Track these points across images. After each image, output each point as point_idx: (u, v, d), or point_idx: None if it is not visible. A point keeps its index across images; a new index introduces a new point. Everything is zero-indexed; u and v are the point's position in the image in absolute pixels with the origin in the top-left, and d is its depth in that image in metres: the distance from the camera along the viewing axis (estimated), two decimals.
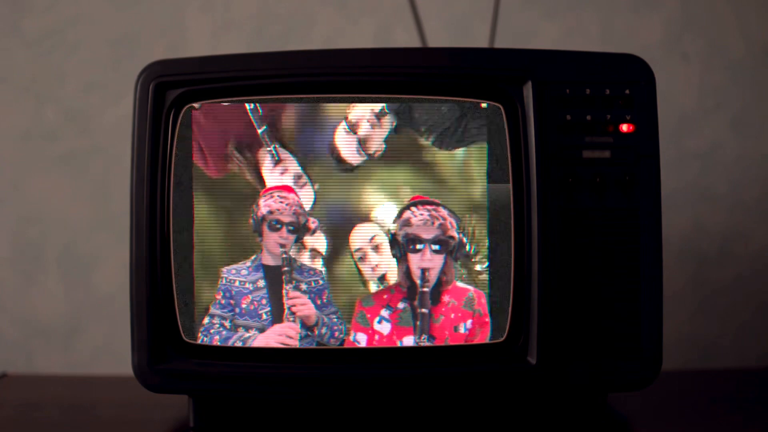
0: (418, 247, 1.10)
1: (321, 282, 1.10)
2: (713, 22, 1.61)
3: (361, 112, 1.09)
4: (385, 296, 1.10)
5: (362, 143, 1.09)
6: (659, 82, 1.12)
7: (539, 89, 1.09)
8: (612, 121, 1.10)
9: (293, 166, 1.09)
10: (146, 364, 1.09)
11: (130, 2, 1.61)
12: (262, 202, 1.09)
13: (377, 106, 1.10)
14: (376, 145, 1.09)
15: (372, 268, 1.10)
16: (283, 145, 1.10)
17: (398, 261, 1.10)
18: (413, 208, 1.10)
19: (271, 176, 1.10)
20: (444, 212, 1.10)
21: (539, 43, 1.60)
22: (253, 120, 1.10)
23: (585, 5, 1.61)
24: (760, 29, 1.62)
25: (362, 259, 1.10)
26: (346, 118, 1.09)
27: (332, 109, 1.10)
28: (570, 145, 1.10)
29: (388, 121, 1.09)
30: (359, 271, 1.10)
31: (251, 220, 1.09)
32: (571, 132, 1.10)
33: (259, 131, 1.09)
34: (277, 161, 1.09)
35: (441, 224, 1.10)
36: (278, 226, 1.10)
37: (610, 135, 1.10)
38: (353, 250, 1.10)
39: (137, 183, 1.09)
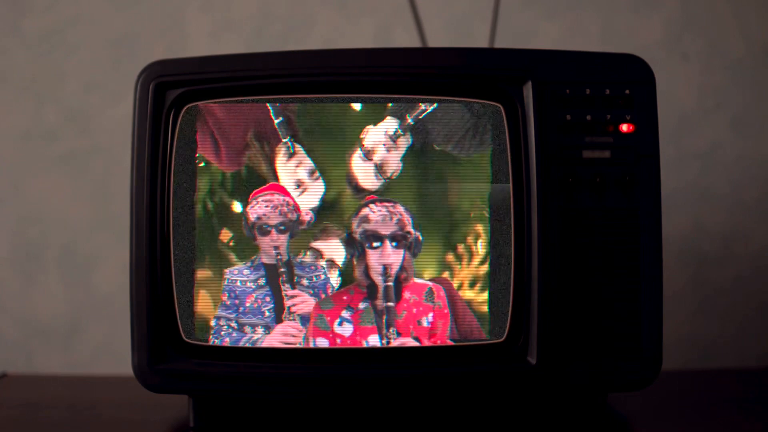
0: (376, 244, 1.09)
1: (323, 276, 1.10)
2: (713, 22, 1.61)
3: (376, 137, 1.10)
4: (344, 297, 1.10)
5: (379, 168, 1.09)
6: (659, 82, 1.12)
7: (539, 89, 1.09)
8: (612, 121, 1.10)
9: (306, 161, 1.09)
10: (146, 364, 1.09)
11: (130, 2, 1.61)
12: (249, 209, 1.10)
13: (392, 128, 1.10)
14: (393, 167, 1.09)
15: None
16: (297, 140, 1.10)
17: (356, 260, 1.10)
18: (371, 206, 1.10)
19: (285, 169, 1.10)
20: (401, 209, 1.10)
21: (539, 43, 1.60)
22: (270, 110, 1.10)
23: (585, 5, 1.61)
24: (760, 29, 1.62)
25: None
26: (361, 146, 1.09)
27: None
28: (570, 145, 1.10)
29: (404, 141, 1.10)
30: None
31: (243, 229, 1.10)
32: (571, 132, 1.10)
33: (276, 122, 1.10)
34: (292, 154, 1.09)
35: (399, 220, 1.09)
36: (268, 229, 1.10)
37: (610, 135, 1.10)
38: None
39: (137, 183, 1.09)
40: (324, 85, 1.10)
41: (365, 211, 1.10)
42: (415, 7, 1.49)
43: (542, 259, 1.08)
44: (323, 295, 1.10)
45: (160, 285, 1.09)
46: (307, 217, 1.10)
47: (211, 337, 1.10)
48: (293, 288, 1.10)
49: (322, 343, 1.10)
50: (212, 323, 1.10)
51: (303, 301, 1.10)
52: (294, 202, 1.10)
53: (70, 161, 1.61)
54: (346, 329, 1.10)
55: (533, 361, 1.08)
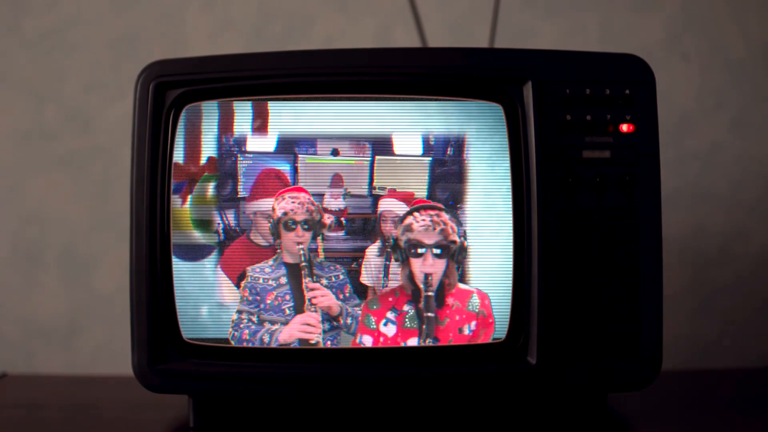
0: (420, 251, 1.10)
1: (342, 276, 1.11)
2: (713, 22, 1.61)
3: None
4: (390, 299, 1.11)
5: None
6: (659, 82, 1.12)
7: (539, 89, 1.09)
8: (612, 121, 1.10)
9: None
10: (146, 364, 1.09)
11: (130, 2, 1.61)
12: (276, 205, 1.11)
13: None
14: None
15: None
16: None
17: (401, 265, 1.10)
18: (415, 214, 1.10)
19: None
20: (446, 217, 1.10)
21: (539, 43, 1.60)
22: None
23: (585, 5, 1.61)
24: (760, 29, 1.62)
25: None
26: None
27: None
28: (570, 145, 1.10)
29: None
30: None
31: (269, 225, 1.11)
32: (571, 132, 1.10)
33: None
34: None
35: (442, 229, 1.10)
36: (293, 225, 1.11)
37: (610, 135, 1.10)
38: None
39: (137, 183, 1.09)
40: (324, 85, 1.10)
41: (409, 219, 1.10)
42: (415, 7, 1.49)
43: (542, 259, 1.08)
44: (341, 295, 1.11)
45: (160, 285, 1.09)
46: (329, 220, 1.11)
47: (231, 329, 1.10)
48: (314, 281, 1.11)
49: (367, 340, 1.10)
50: (234, 317, 1.10)
51: (323, 295, 1.11)
52: (317, 203, 1.11)
53: (70, 161, 1.61)
54: (390, 329, 1.11)
55: (533, 361, 1.08)
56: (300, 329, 1.11)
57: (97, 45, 1.61)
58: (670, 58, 1.61)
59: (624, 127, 1.10)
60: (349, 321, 1.11)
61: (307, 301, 1.11)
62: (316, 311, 1.11)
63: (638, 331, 1.09)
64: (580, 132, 1.10)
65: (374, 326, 1.11)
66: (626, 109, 1.10)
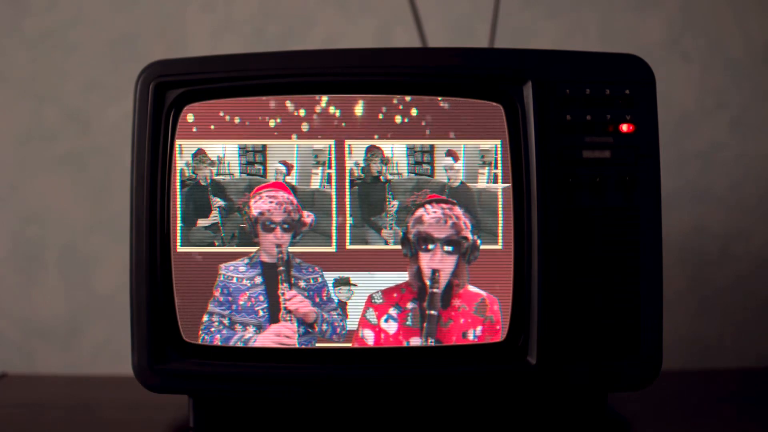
0: (430, 246, 1.08)
1: (320, 279, 1.09)
2: (713, 22, 1.61)
3: None
4: (395, 295, 1.09)
5: None
6: (659, 82, 1.12)
7: (539, 89, 1.09)
8: (612, 121, 1.10)
9: None
10: (146, 364, 1.09)
11: (130, 2, 1.61)
12: (252, 203, 1.09)
13: None
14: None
15: None
16: None
17: (409, 260, 1.09)
18: (427, 206, 1.08)
19: None
20: (459, 211, 1.08)
21: (539, 43, 1.60)
22: None
23: (585, 5, 1.61)
24: (760, 29, 1.62)
25: None
26: None
27: None
28: (570, 145, 1.10)
29: None
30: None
31: (245, 223, 1.09)
32: (571, 132, 1.10)
33: None
34: None
35: (454, 223, 1.08)
36: (272, 226, 1.09)
37: (610, 135, 1.10)
38: None
39: (137, 183, 1.09)
40: (324, 85, 1.10)
41: (420, 211, 1.08)
42: (415, 7, 1.49)
43: (542, 259, 1.08)
44: (317, 298, 1.09)
45: (160, 285, 1.09)
46: (309, 219, 1.09)
47: (200, 332, 1.09)
48: (290, 288, 1.09)
49: (368, 335, 1.09)
50: (204, 318, 1.09)
51: (300, 302, 1.09)
52: (296, 202, 1.10)
53: (70, 161, 1.61)
54: (391, 326, 1.08)
55: (533, 361, 1.08)
56: (274, 340, 1.08)
57: (97, 45, 1.61)
58: (670, 58, 1.61)
59: (624, 127, 1.10)
60: (324, 327, 1.09)
61: (283, 310, 1.09)
62: (292, 321, 1.09)
63: (638, 331, 1.09)
64: (580, 132, 1.10)
65: (375, 321, 1.09)
66: (626, 109, 1.10)
